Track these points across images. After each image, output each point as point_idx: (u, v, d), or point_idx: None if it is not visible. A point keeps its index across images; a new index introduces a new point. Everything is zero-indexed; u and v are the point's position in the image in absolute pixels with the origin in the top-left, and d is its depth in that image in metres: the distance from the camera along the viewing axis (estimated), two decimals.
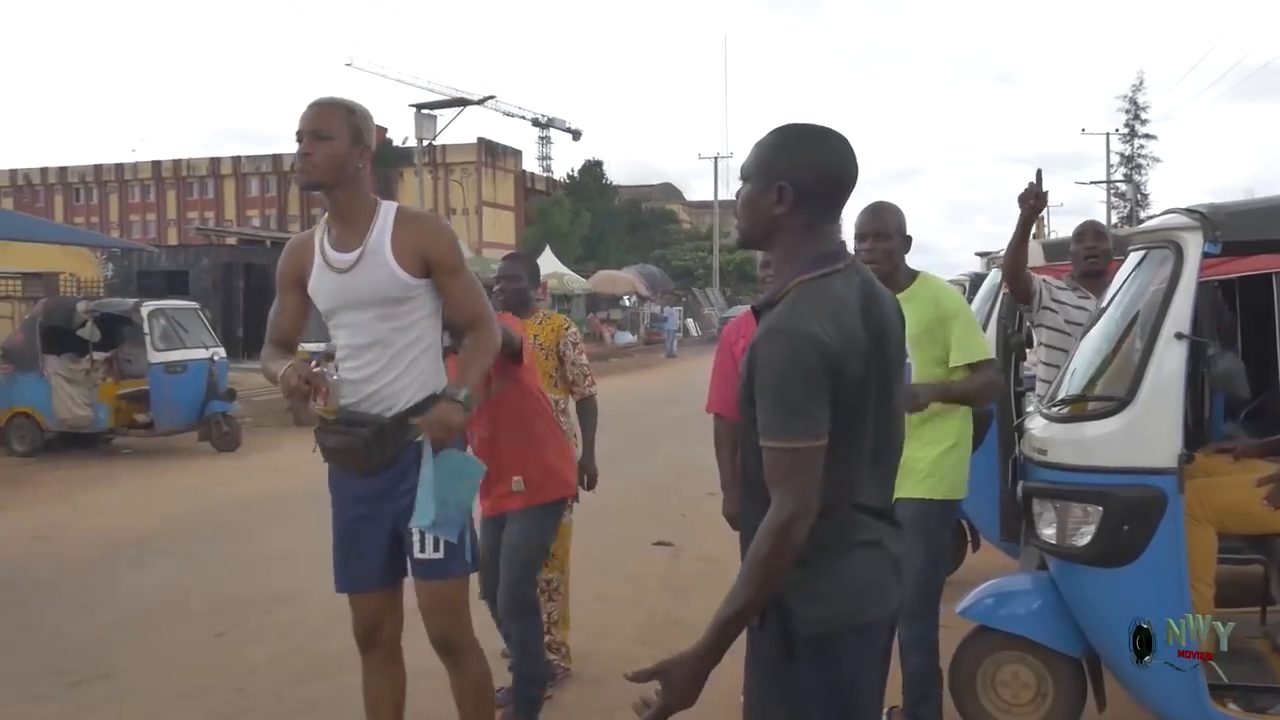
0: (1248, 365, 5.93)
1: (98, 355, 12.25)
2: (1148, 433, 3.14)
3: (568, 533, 4.53)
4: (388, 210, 2.97)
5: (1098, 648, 3.36)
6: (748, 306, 3.77)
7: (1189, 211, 3.33)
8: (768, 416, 1.81)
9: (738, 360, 4.44)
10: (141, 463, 11.83)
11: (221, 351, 13.06)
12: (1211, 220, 3.21)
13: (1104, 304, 3.84)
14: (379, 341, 2.94)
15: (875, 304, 1.94)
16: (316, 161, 2.87)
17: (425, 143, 30.62)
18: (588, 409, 4.56)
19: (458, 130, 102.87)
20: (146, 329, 11.96)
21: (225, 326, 22.61)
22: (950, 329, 3.46)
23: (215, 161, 74.73)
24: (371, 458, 2.93)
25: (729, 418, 4.10)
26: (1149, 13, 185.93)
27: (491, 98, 31.22)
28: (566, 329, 4.58)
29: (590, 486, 4.52)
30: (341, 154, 2.88)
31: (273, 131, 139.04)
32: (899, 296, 3.34)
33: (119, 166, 75.07)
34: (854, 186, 2.00)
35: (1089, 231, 4.68)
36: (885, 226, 3.51)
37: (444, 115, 29.82)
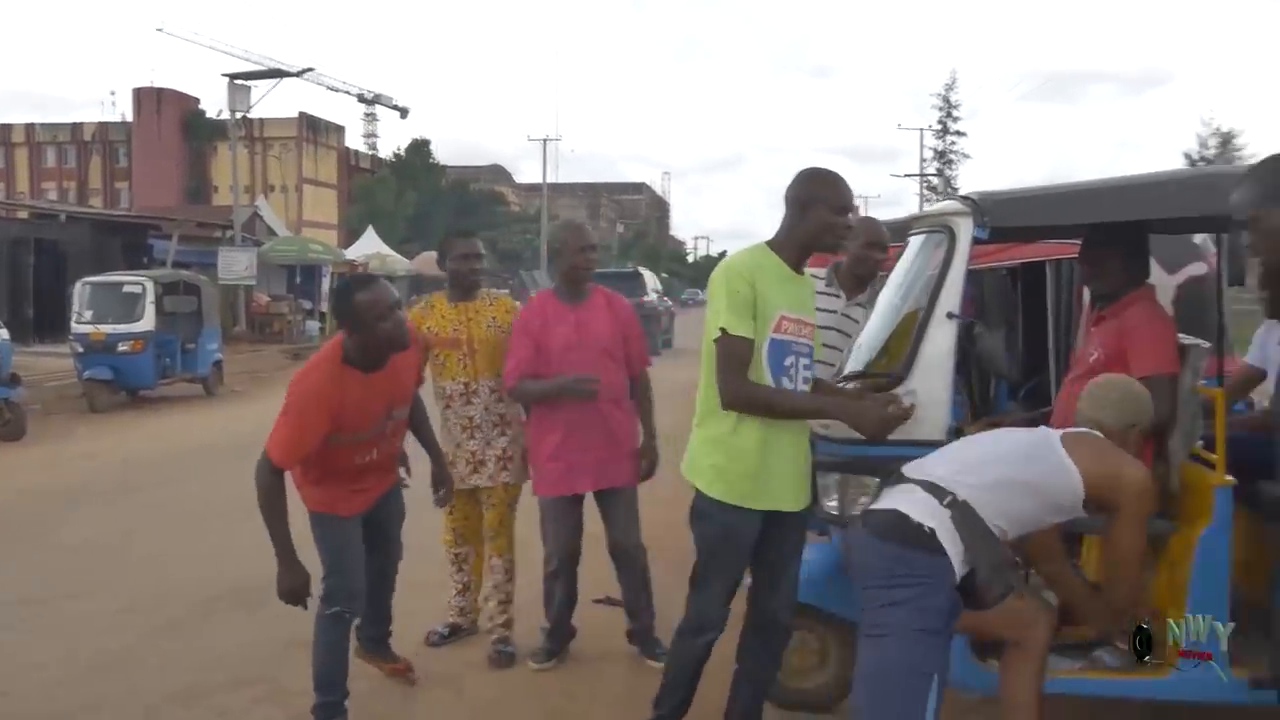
0: (1027, 348, 6.37)
1: None
2: (921, 407, 3.30)
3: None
4: None
5: None
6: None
7: (962, 198, 3.53)
8: None
9: (535, 338, 4.32)
10: None
11: (4, 333, 12.09)
12: (981, 207, 3.40)
13: (887, 286, 4.03)
14: None
15: None
16: None
17: (239, 115, 29.25)
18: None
19: (280, 104, 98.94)
20: None
21: (14, 306, 21.14)
22: None
23: (6, 128, 69.51)
24: None
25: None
26: (960, 15, 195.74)
27: (310, 70, 30.11)
28: (516, 311, 4.61)
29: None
30: None
31: (74, 98, 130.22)
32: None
33: None
34: None
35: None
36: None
37: (260, 87, 28.62)
